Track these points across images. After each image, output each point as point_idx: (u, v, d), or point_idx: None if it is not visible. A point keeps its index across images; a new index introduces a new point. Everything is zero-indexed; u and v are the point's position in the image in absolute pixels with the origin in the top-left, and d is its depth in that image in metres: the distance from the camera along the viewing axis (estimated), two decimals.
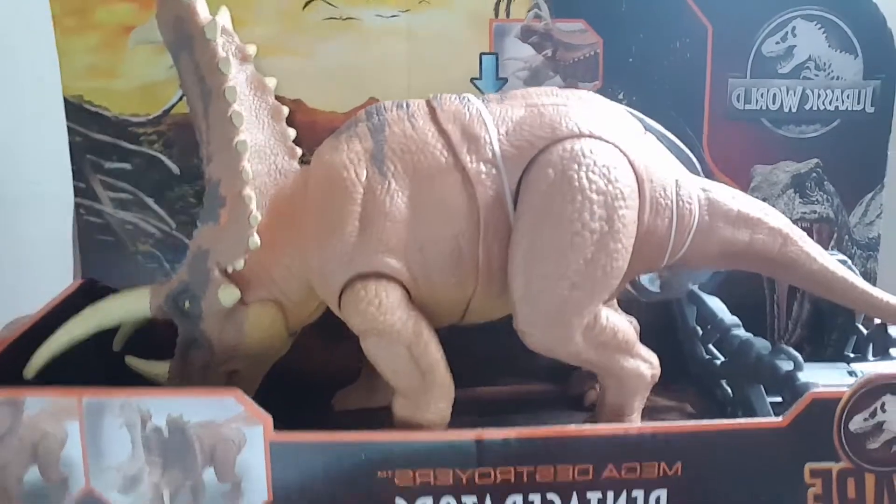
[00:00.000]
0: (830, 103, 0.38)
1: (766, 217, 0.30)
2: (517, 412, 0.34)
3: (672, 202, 0.28)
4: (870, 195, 0.39)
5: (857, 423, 0.27)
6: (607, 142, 0.27)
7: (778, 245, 0.30)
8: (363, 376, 0.35)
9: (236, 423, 0.25)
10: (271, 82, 0.32)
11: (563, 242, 0.25)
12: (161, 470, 0.26)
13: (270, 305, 0.29)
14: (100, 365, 0.32)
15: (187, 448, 0.26)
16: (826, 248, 0.39)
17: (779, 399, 0.32)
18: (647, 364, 0.28)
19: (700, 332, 0.37)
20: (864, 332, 0.36)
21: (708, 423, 0.27)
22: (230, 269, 0.27)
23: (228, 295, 0.27)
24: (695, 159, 0.33)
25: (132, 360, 0.31)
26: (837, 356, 0.36)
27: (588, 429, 0.26)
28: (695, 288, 0.37)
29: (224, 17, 0.31)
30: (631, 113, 0.31)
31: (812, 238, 0.39)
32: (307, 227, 0.27)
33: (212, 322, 0.28)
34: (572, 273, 0.26)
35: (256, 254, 0.28)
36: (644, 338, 0.35)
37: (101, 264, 0.37)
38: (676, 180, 0.28)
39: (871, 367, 0.32)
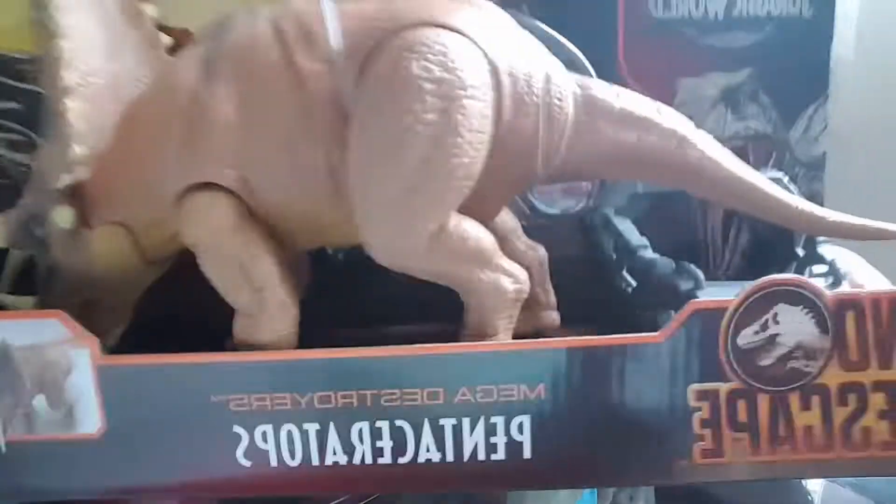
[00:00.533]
0: (762, 7, 0.35)
1: (658, 116, 0.27)
2: None
3: (539, 98, 0.25)
4: (812, 107, 0.35)
5: (747, 336, 0.24)
6: (455, 31, 0.24)
7: (673, 146, 0.27)
8: None
9: (62, 346, 0.24)
10: (149, 8, 0.30)
11: (394, 140, 0.23)
12: None
13: (117, 229, 0.27)
14: None
15: (15, 374, 0.24)
16: (766, 167, 0.36)
17: None
18: (508, 278, 0.25)
19: (615, 259, 0.34)
20: (801, 255, 0.33)
21: (573, 339, 0.24)
22: (60, 186, 0.26)
23: (63, 216, 0.26)
24: (591, 70, 0.30)
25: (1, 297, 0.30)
26: None
27: (436, 347, 0.24)
28: (609, 213, 0.34)
29: None
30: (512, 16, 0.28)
31: (748, 158, 0.36)
32: (138, 138, 0.26)
33: (59, 248, 0.27)
34: (408, 174, 0.23)
35: (98, 173, 0.26)
36: (562, 269, 0.32)
37: None
38: (547, 74, 0.25)
39: None
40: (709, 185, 0.28)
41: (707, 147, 0.27)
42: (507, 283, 0.25)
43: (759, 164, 0.36)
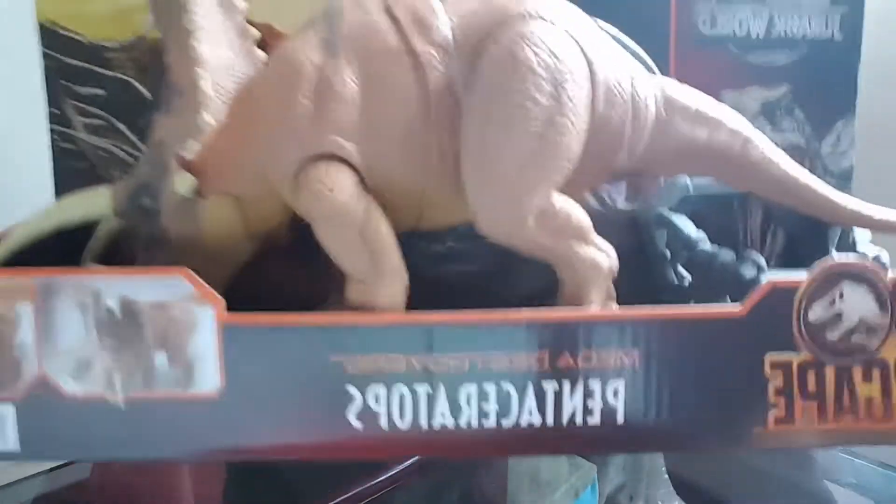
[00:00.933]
0: (798, 29, 0.38)
1: (727, 117, 0.30)
2: None
3: (627, 94, 0.28)
4: (841, 123, 0.39)
5: (817, 312, 0.27)
6: (558, 26, 0.27)
7: (738, 146, 0.30)
8: (331, 300, 0.35)
9: (187, 304, 0.25)
10: (241, 4, 0.32)
11: (509, 117, 0.25)
12: (113, 353, 0.26)
13: (228, 200, 0.29)
14: None
15: (139, 330, 0.25)
16: None
17: None
18: (603, 254, 0.27)
19: (669, 255, 0.37)
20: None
21: (666, 309, 0.26)
22: (185, 155, 0.27)
23: (184, 182, 0.28)
24: (655, 68, 0.33)
25: (95, 267, 0.31)
26: None
27: (542, 314, 0.26)
28: (664, 210, 0.37)
29: None
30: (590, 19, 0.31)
31: None
32: (261, 112, 0.27)
33: (170, 217, 0.29)
34: (522, 149, 0.26)
35: (214, 145, 0.28)
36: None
37: (73, 190, 0.38)
38: (631, 74, 0.28)
39: None
40: (766, 182, 0.31)
41: (767, 148, 0.30)
42: (603, 259, 0.27)
43: None
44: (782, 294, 0.26)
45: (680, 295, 0.36)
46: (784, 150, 0.40)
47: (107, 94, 0.37)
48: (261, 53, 0.32)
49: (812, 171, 0.40)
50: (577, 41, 0.27)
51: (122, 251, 0.31)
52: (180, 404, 0.26)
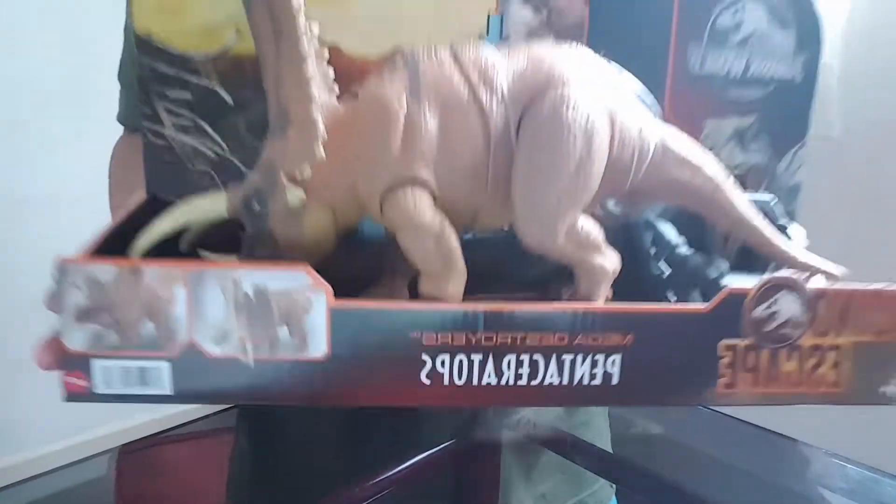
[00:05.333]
0: (767, 72, 0.47)
1: (706, 165, 0.39)
2: None
3: (636, 140, 0.37)
4: (795, 148, 0.49)
5: (759, 311, 0.37)
6: (590, 89, 0.35)
7: (710, 190, 0.39)
8: (385, 276, 0.43)
9: (305, 292, 0.34)
10: (315, 28, 0.39)
11: (552, 163, 0.34)
12: (247, 327, 0.34)
13: (325, 209, 0.37)
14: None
15: (267, 309, 0.34)
16: (759, 190, 0.49)
17: None
18: (610, 261, 0.37)
19: (653, 252, 0.46)
20: None
21: (652, 306, 0.36)
22: (298, 177, 0.35)
23: (295, 196, 0.35)
24: (657, 106, 0.42)
25: (205, 253, 0.39)
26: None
27: (565, 305, 0.35)
28: (650, 216, 0.46)
29: None
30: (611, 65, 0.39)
31: (747, 182, 0.49)
32: (359, 145, 0.35)
33: (277, 221, 0.36)
34: (558, 186, 0.34)
35: (318, 167, 0.36)
36: None
37: (163, 181, 0.44)
38: (640, 124, 0.37)
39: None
40: (725, 221, 0.40)
41: (732, 194, 0.40)
42: (609, 265, 0.37)
43: (756, 187, 0.49)
44: (736, 298, 0.36)
45: (660, 285, 0.46)
46: (750, 167, 0.50)
47: (193, 98, 0.44)
48: (331, 71, 0.39)
49: (770, 185, 0.50)
50: (604, 100, 0.35)
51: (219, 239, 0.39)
52: (296, 364, 0.34)
